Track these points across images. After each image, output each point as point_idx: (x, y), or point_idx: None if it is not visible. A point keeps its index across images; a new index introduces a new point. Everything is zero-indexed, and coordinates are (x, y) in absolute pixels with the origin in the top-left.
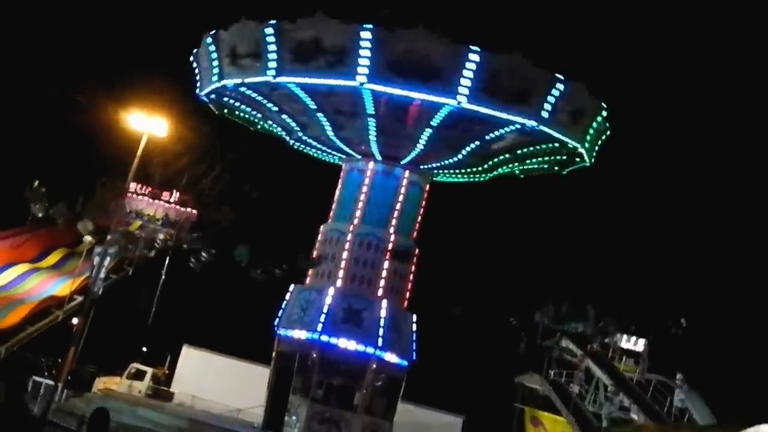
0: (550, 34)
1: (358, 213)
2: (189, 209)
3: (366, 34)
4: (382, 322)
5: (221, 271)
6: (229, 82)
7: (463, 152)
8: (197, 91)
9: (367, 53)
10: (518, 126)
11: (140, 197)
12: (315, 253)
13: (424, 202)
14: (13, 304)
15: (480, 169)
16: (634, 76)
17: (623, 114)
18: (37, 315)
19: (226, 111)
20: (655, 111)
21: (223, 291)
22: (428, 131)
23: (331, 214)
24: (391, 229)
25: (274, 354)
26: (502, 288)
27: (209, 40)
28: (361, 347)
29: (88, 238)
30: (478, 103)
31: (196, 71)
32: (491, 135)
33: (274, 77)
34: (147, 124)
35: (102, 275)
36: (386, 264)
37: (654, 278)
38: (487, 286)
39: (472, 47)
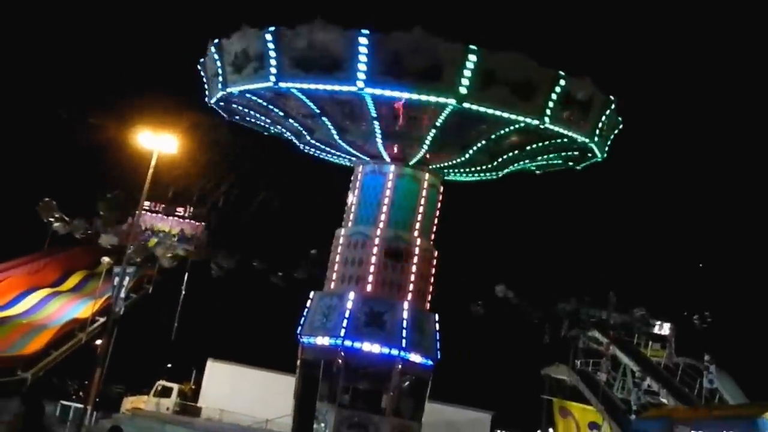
0: (555, 31)
1: (383, 216)
2: (204, 222)
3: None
4: (404, 324)
5: (240, 282)
6: (234, 89)
7: (471, 151)
8: (206, 99)
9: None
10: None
11: (154, 214)
12: (337, 258)
13: (439, 204)
14: (36, 329)
15: (490, 166)
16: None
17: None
18: (60, 339)
19: (237, 117)
20: (678, 101)
21: (243, 302)
22: (433, 131)
23: (351, 217)
24: (416, 232)
25: (298, 362)
26: (523, 282)
27: (213, 48)
28: (385, 350)
29: (105, 259)
30: (381, 87)
31: (204, 80)
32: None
33: (275, 83)
34: (156, 141)
35: (122, 295)
36: (414, 267)
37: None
38: (509, 281)
39: (362, 32)
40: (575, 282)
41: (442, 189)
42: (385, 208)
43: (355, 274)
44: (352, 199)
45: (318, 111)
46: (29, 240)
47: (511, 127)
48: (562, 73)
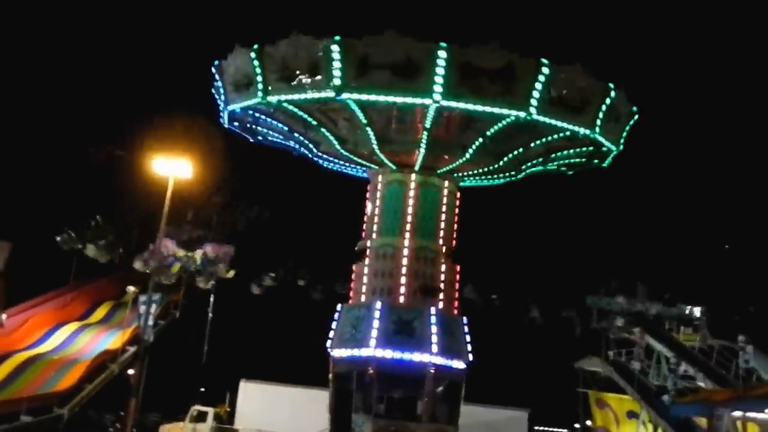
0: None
1: (408, 227)
2: (226, 244)
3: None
4: (434, 329)
5: (267, 300)
6: (235, 107)
7: (470, 151)
8: (221, 121)
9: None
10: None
11: (174, 240)
12: (365, 270)
13: (457, 210)
14: (68, 364)
15: (504, 168)
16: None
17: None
18: (93, 372)
19: (260, 138)
20: (695, 81)
21: (271, 321)
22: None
23: (375, 228)
24: (440, 240)
25: (330, 376)
26: (549, 278)
27: (214, 70)
28: (416, 356)
29: (131, 288)
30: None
31: (217, 102)
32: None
33: (263, 98)
34: (172, 167)
35: (151, 322)
36: (442, 276)
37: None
38: (534, 277)
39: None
40: (603, 273)
41: (459, 195)
42: (410, 218)
43: (383, 285)
44: (372, 209)
45: (314, 122)
46: (53, 275)
47: (502, 123)
48: (544, 61)
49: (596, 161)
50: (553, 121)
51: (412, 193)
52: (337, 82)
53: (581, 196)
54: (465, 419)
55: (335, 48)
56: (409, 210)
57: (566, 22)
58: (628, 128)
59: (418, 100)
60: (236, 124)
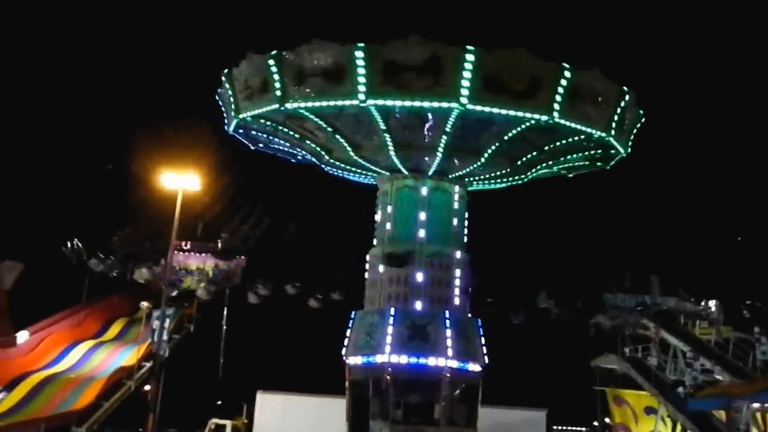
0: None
1: (422, 232)
2: (238, 256)
3: None
4: (448, 333)
5: (278, 310)
6: (247, 114)
7: (486, 155)
8: (226, 129)
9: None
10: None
11: (185, 253)
12: (379, 277)
13: (467, 213)
14: (84, 383)
15: (513, 172)
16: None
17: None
18: (110, 389)
19: (261, 146)
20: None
21: (284, 330)
22: (444, 138)
23: (386, 236)
24: (454, 245)
25: (347, 383)
26: (563, 278)
27: (224, 78)
28: (432, 361)
29: (144, 304)
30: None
31: (223, 110)
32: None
33: (281, 105)
34: (180, 180)
35: (165, 337)
36: (457, 282)
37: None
38: (546, 279)
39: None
40: (616, 270)
41: (468, 198)
42: (421, 223)
43: (398, 291)
44: (383, 216)
45: (330, 129)
46: (66, 294)
47: (522, 126)
48: (566, 65)
49: (600, 164)
50: (571, 123)
51: (424, 198)
52: (361, 88)
53: (590, 194)
54: (483, 421)
55: (359, 54)
56: (422, 216)
57: (569, 26)
58: (635, 131)
59: (444, 104)
60: (241, 131)
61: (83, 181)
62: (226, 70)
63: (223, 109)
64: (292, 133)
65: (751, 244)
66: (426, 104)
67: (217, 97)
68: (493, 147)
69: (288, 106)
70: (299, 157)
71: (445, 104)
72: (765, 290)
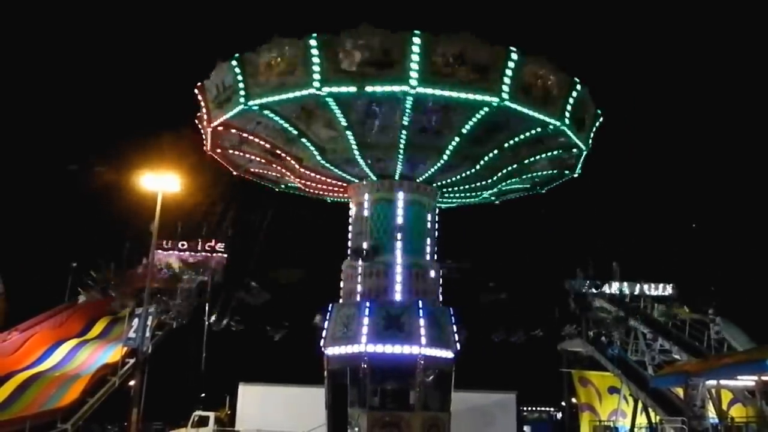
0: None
1: (399, 244)
2: (218, 254)
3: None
4: (422, 322)
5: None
6: (217, 122)
7: (447, 153)
8: (205, 150)
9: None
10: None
11: (166, 252)
12: (359, 288)
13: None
14: (69, 380)
15: (480, 176)
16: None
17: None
18: (94, 386)
19: (240, 169)
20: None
21: (264, 324)
22: (404, 133)
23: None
24: (427, 256)
25: (325, 373)
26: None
27: (197, 91)
28: (406, 350)
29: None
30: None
31: (201, 131)
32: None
33: (245, 104)
34: (159, 182)
35: (148, 334)
36: (431, 273)
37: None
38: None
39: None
40: (578, 257)
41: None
42: (399, 235)
43: (373, 285)
44: (360, 227)
45: (296, 131)
46: (49, 294)
47: (477, 115)
48: (513, 49)
49: (567, 172)
50: (522, 108)
51: (400, 211)
52: (316, 77)
53: (555, 189)
54: (456, 405)
55: (313, 43)
56: (398, 226)
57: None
58: (594, 129)
59: (396, 88)
60: (218, 151)
61: (58, 183)
62: (199, 84)
63: (201, 130)
64: (262, 142)
65: (706, 231)
66: (378, 89)
67: (197, 120)
68: (454, 143)
69: (251, 103)
70: (282, 186)
71: (396, 88)
72: (719, 274)
